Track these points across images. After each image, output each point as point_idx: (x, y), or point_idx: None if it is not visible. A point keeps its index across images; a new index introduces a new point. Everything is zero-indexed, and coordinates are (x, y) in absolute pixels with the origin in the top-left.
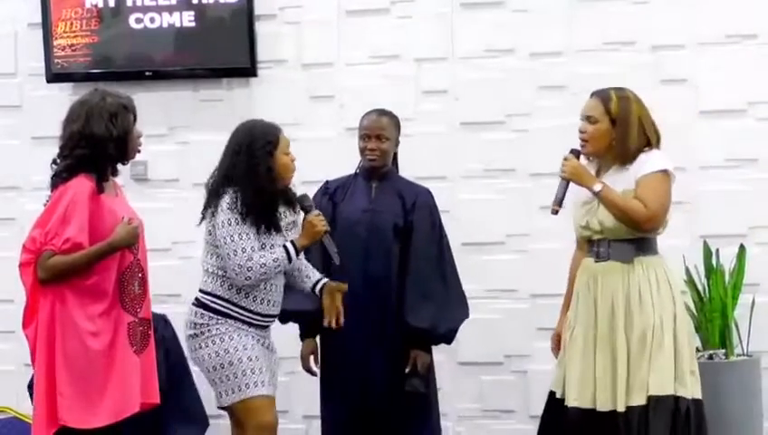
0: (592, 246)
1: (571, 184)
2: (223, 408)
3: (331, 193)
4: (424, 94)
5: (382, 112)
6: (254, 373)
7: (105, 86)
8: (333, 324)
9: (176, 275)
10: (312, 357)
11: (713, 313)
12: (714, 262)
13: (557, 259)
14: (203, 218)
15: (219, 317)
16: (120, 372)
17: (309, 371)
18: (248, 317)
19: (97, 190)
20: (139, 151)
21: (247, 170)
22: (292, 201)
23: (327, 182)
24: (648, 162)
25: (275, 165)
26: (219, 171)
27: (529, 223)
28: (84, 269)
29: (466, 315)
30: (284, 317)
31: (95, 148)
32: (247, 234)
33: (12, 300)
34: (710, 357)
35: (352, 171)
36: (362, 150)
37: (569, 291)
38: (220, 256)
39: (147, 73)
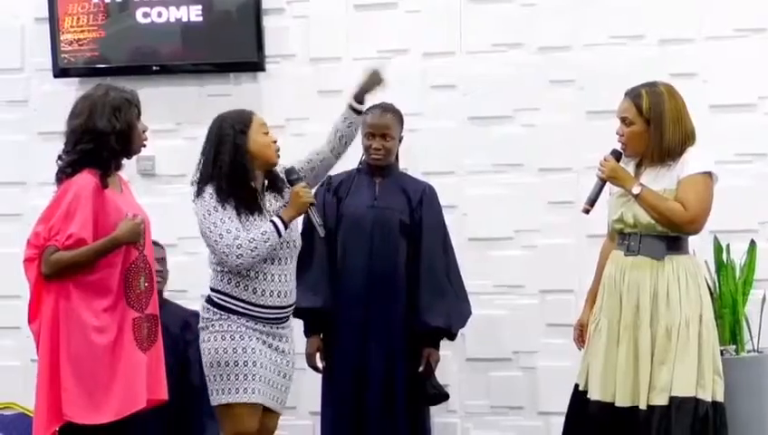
0: (623, 238)
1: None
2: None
3: (335, 188)
4: (432, 89)
5: (386, 109)
6: (246, 379)
7: (112, 81)
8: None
9: (182, 272)
10: (318, 354)
11: (723, 309)
12: (724, 257)
13: (566, 255)
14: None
15: (223, 313)
16: (124, 368)
17: (315, 368)
18: (253, 311)
19: (101, 185)
20: (144, 146)
21: (215, 156)
22: (278, 186)
23: (330, 177)
24: (691, 162)
25: (249, 145)
26: (199, 163)
27: (537, 218)
28: (88, 265)
29: (470, 312)
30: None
31: (98, 142)
32: (230, 217)
33: (18, 295)
34: (720, 353)
35: (353, 165)
36: (367, 148)
37: (596, 281)
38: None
39: (154, 68)
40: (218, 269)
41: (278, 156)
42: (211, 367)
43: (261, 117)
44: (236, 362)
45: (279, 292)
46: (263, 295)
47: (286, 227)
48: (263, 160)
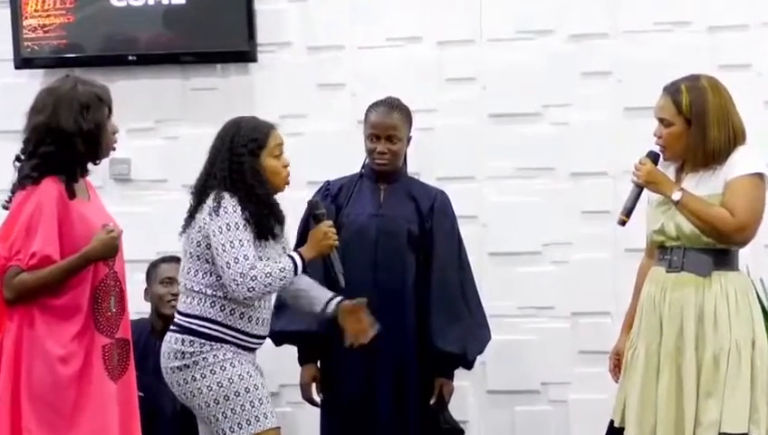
0: (664, 252)
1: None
2: None
3: (334, 195)
4: (448, 82)
5: (392, 106)
6: (261, 404)
7: (81, 73)
8: (359, 342)
9: None
10: (314, 385)
11: None
12: None
13: (601, 272)
14: (186, 227)
15: (213, 343)
16: (93, 401)
17: (310, 400)
18: (243, 341)
19: (68, 195)
20: (113, 149)
21: (231, 170)
22: (279, 217)
23: (328, 182)
24: (738, 164)
25: (261, 168)
26: (203, 172)
27: (569, 230)
28: (56, 286)
29: (489, 337)
30: (280, 338)
31: (62, 144)
32: (248, 241)
33: None
34: None
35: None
36: (370, 152)
37: (633, 304)
38: (209, 271)
39: (130, 58)
40: (209, 293)
41: (287, 183)
42: (218, 404)
43: (279, 135)
44: (248, 388)
45: (266, 320)
46: (255, 324)
47: (304, 267)
48: (269, 187)
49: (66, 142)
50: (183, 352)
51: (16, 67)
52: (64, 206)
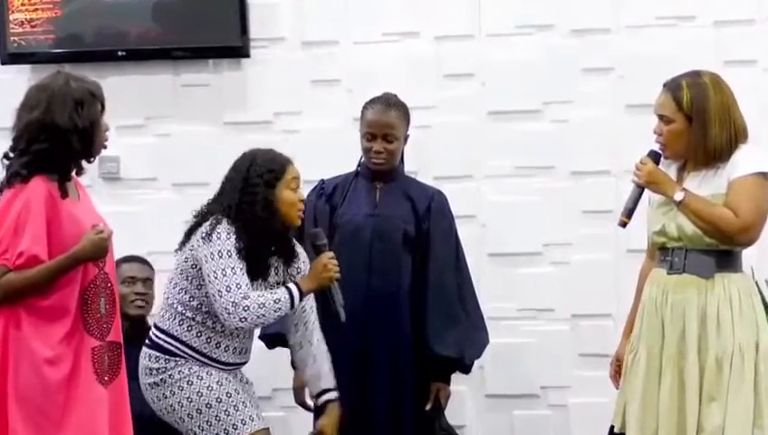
0: (665, 254)
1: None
2: None
3: (328, 194)
4: (446, 79)
5: (389, 104)
6: (238, 410)
7: (70, 69)
8: None
9: None
10: (307, 389)
11: None
12: None
13: (603, 273)
14: (182, 246)
15: (177, 359)
16: (81, 404)
17: (303, 405)
18: (209, 363)
19: (60, 194)
20: (105, 147)
21: (241, 200)
22: (289, 254)
23: (323, 181)
24: (741, 162)
25: (276, 199)
26: (210, 200)
27: (570, 230)
28: (44, 287)
29: (488, 340)
30: (272, 341)
31: (57, 141)
32: (241, 269)
33: None
34: None
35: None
36: (366, 151)
37: (634, 308)
38: (186, 290)
39: (120, 53)
40: (179, 311)
41: (300, 218)
42: (192, 418)
43: (296, 169)
44: (219, 398)
45: (244, 349)
46: (225, 351)
47: (302, 299)
48: (282, 218)
49: (61, 139)
50: (151, 369)
51: (3, 63)
52: (53, 205)
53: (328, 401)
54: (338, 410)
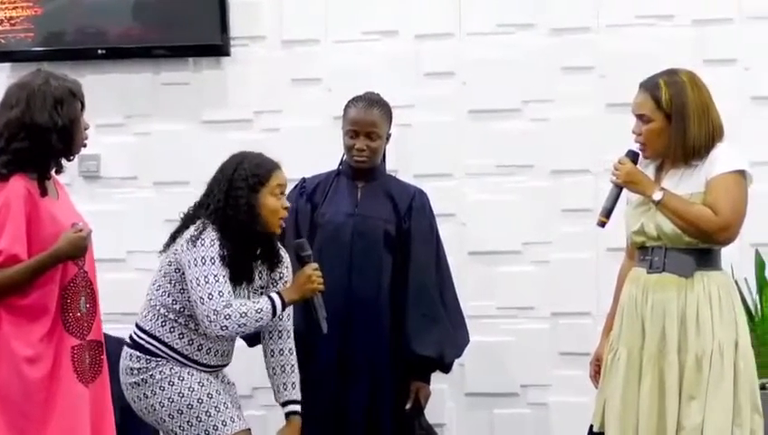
0: (645, 253)
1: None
2: None
3: (309, 193)
4: (426, 77)
5: (372, 102)
6: (219, 411)
7: (49, 67)
8: None
9: (131, 290)
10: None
11: (766, 334)
12: (767, 274)
13: (582, 272)
14: (166, 248)
15: (159, 359)
16: (63, 404)
17: None
18: (189, 364)
19: (39, 192)
20: (84, 146)
21: (225, 203)
22: (273, 259)
23: (304, 180)
24: (719, 161)
25: (258, 204)
26: (197, 201)
27: (549, 229)
28: (23, 286)
29: (468, 340)
30: (252, 340)
31: (36, 140)
32: (224, 276)
33: None
34: (762, 387)
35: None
36: (349, 149)
37: (614, 308)
38: (169, 292)
39: (99, 52)
40: (162, 313)
41: (281, 226)
42: (173, 418)
43: (283, 174)
44: (200, 398)
45: (223, 352)
46: (207, 354)
47: (284, 309)
48: (265, 224)
49: (40, 138)
50: (132, 369)
51: None
52: (33, 204)
53: (290, 413)
54: (299, 423)
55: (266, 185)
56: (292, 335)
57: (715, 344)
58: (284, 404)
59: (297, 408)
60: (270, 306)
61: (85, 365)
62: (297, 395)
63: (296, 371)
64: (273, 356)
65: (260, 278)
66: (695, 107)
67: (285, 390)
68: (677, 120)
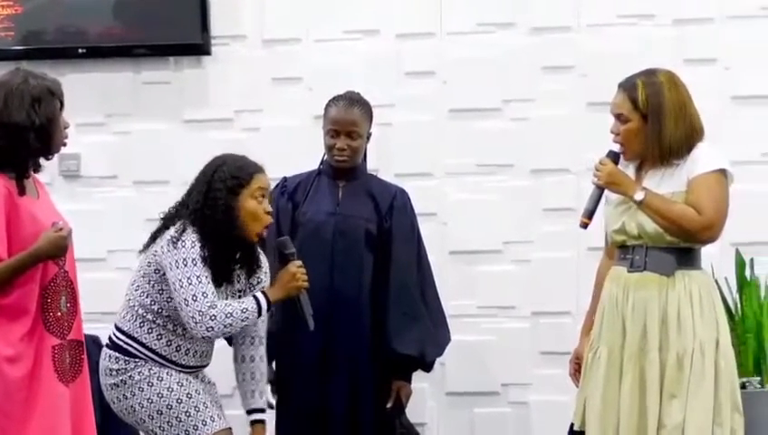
0: (626, 252)
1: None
2: None
3: (291, 192)
4: (407, 76)
5: (352, 101)
6: (198, 411)
7: (29, 66)
8: None
9: (111, 290)
10: (268, 387)
11: (746, 334)
12: (747, 274)
13: (563, 271)
14: (146, 248)
15: (137, 360)
16: (43, 404)
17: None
18: (168, 365)
19: (17, 191)
20: (64, 145)
21: (203, 204)
22: (252, 264)
23: (285, 179)
24: (700, 160)
25: (237, 207)
26: (177, 201)
27: (530, 228)
28: (4, 285)
29: (449, 338)
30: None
31: (14, 139)
32: (207, 277)
33: None
34: (743, 386)
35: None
36: (329, 148)
37: (593, 307)
38: (148, 293)
39: (80, 51)
40: (140, 313)
41: (264, 232)
42: (153, 419)
43: (265, 178)
44: (180, 398)
45: (202, 353)
46: (186, 355)
47: (269, 309)
48: (244, 228)
49: (18, 137)
50: (111, 370)
51: None
52: (13, 204)
53: (255, 421)
54: (264, 431)
55: (246, 187)
56: (264, 343)
57: (696, 343)
58: (250, 412)
59: (263, 416)
60: (255, 306)
61: (66, 365)
62: (264, 404)
63: (265, 378)
64: (243, 362)
65: (238, 282)
66: (671, 107)
67: (252, 398)
68: (654, 121)
